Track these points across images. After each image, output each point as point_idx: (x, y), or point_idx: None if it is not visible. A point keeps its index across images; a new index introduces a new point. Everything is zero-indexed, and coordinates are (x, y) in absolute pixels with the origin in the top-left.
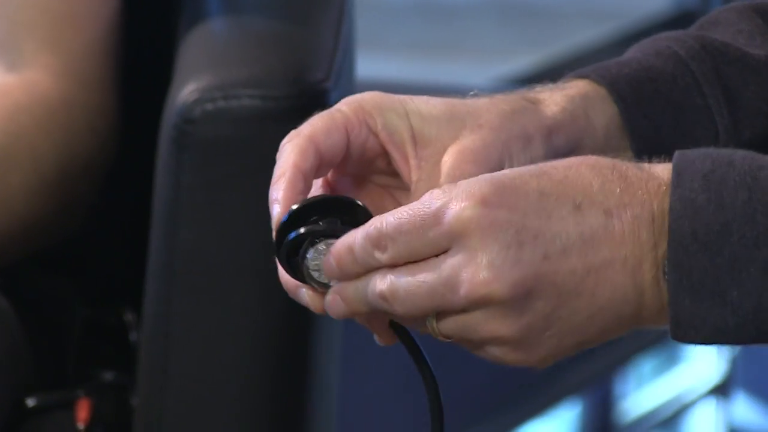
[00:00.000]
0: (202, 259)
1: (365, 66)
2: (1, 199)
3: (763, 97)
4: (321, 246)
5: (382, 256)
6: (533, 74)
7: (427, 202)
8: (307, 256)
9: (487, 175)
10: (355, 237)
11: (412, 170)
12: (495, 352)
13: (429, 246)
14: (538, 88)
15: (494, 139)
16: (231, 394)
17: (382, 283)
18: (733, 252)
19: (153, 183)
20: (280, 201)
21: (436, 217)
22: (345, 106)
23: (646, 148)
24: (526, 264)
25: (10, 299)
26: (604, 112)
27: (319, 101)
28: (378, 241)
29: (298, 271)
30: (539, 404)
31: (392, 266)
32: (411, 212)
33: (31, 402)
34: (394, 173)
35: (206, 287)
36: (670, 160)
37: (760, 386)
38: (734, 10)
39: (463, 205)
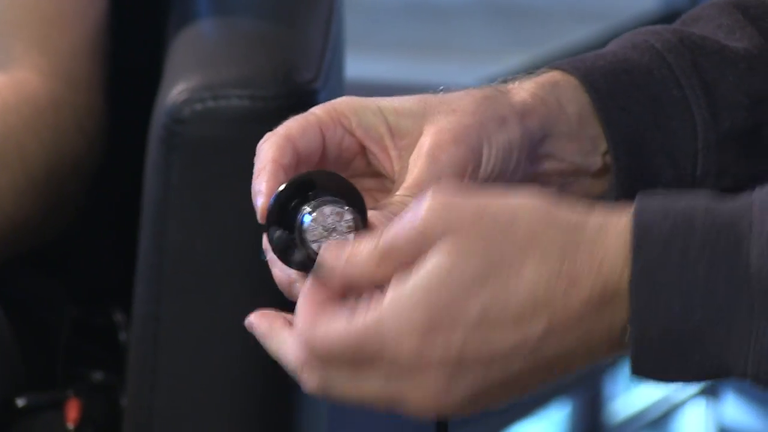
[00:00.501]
0: (191, 259)
1: (354, 66)
2: None
3: (742, 90)
4: (313, 211)
5: (387, 270)
6: (523, 72)
7: (367, 322)
8: (303, 222)
9: (425, 297)
10: (364, 251)
11: (393, 161)
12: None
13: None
14: (510, 78)
15: (470, 120)
16: (220, 394)
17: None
18: (695, 330)
19: (142, 183)
20: (263, 192)
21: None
22: (318, 109)
23: (623, 140)
24: (469, 386)
25: None
26: (577, 101)
27: (308, 101)
28: (388, 255)
29: (289, 252)
30: (528, 405)
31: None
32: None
33: (20, 402)
34: (375, 174)
35: (196, 287)
36: (644, 160)
37: (749, 387)
38: (715, 6)
39: (396, 333)
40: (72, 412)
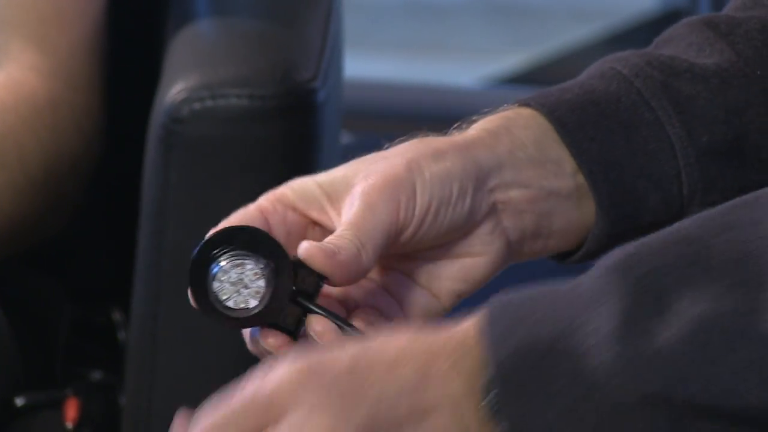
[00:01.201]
0: (189, 258)
1: (353, 65)
2: None
3: (717, 104)
4: (226, 266)
5: None
6: (521, 73)
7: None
8: (213, 282)
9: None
10: None
11: (333, 220)
12: None
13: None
14: (468, 120)
15: (400, 159)
16: (218, 393)
17: None
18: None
19: (141, 182)
20: None
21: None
22: (260, 198)
23: (599, 169)
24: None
25: None
26: (531, 127)
27: (307, 100)
28: None
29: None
30: None
31: None
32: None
33: (19, 401)
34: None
35: None
36: (625, 187)
37: None
38: (686, 26)
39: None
40: (71, 411)
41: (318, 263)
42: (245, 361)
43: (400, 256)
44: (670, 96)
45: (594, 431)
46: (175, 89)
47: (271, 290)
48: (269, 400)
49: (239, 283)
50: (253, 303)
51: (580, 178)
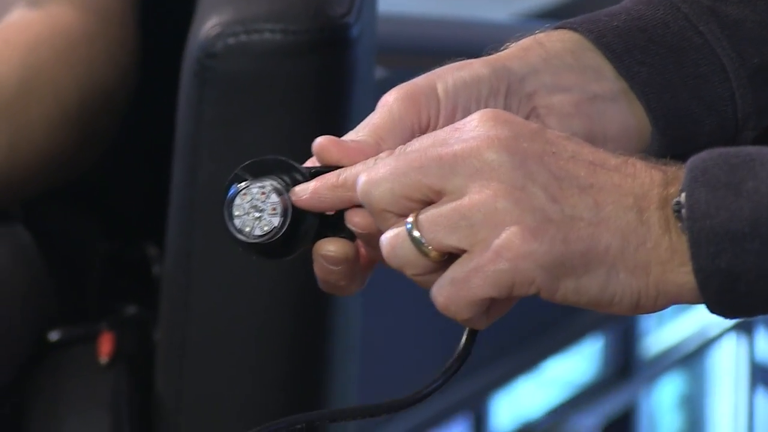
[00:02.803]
0: (223, 193)
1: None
2: (22, 131)
3: (766, 26)
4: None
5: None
6: (555, 9)
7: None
8: (233, 199)
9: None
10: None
11: None
12: (498, 236)
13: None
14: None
15: (421, 76)
16: (253, 327)
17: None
18: (749, 152)
19: (175, 117)
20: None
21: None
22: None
23: (653, 91)
24: (529, 148)
25: (32, 233)
26: (564, 39)
27: (341, 35)
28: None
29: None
30: (561, 340)
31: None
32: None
33: (53, 336)
34: None
35: None
36: (679, 111)
37: None
38: None
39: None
40: (105, 345)
41: (333, 154)
42: (279, 295)
43: None
44: (718, 19)
45: None
46: (209, 24)
47: (289, 201)
48: (454, 161)
49: (254, 210)
50: (276, 221)
51: (623, 84)
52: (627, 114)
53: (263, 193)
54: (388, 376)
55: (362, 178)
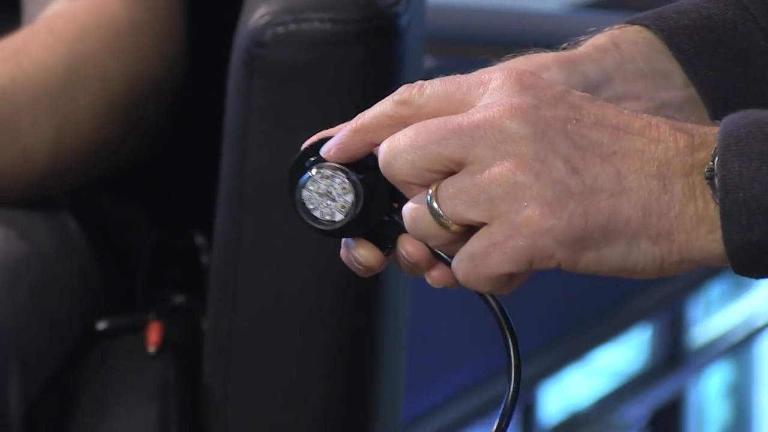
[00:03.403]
0: (272, 182)
1: None
2: (70, 120)
3: None
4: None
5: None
6: None
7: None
8: (303, 191)
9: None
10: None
11: None
12: (517, 211)
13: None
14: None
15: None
16: (301, 316)
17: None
18: None
19: (223, 106)
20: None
21: (480, 78)
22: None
23: (718, 97)
24: (551, 117)
25: (80, 222)
26: (637, 41)
27: (390, 25)
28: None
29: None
30: (609, 329)
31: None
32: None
33: (101, 325)
34: None
35: (276, 210)
36: (746, 107)
37: None
38: None
39: (501, 72)
40: (153, 335)
41: None
42: (327, 284)
43: None
44: None
45: None
46: (258, 13)
47: (360, 206)
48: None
49: (326, 195)
50: (338, 216)
51: (692, 91)
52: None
53: (344, 188)
54: (434, 362)
55: (383, 148)
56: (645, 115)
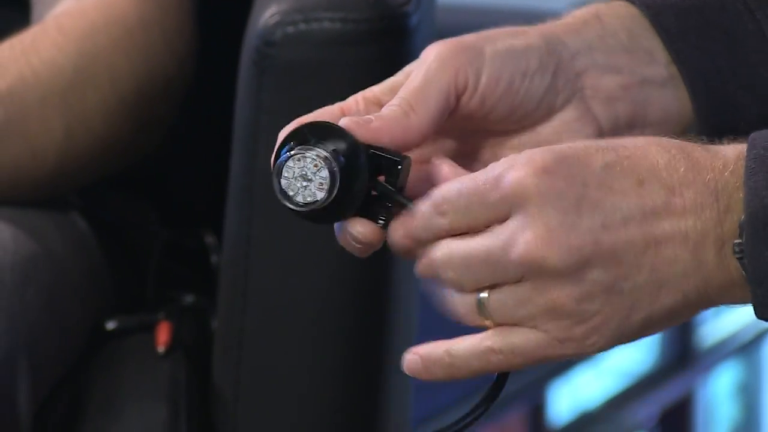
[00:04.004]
0: None
1: None
2: (79, 118)
3: None
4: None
5: (443, 222)
6: None
7: (490, 169)
8: (282, 180)
9: (552, 147)
10: (420, 205)
11: None
12: (551, 330)
13: (488, 210)
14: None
15: (474, 35)
16: (311, 316)
17: (438, 249)
18: None
19: (233, 105)
20: None
21: (497, 181)
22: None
23: (700, 79)
24: (583, 231)
25: (89, 221)
26: (622, 16)
27: (400, 24)
28: (440, 206)
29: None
30: None
31: (453, 233)
32: (472, 178)
33: (110, 325)
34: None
35: (286, 210)
36: (726, 99)
37: None
38: None
39: (524, 171)
40: (162, 334)
41: (360, 137)
42: (338, 283)
43: (487, 146)
44: None
45: None
46: (268, 12)
47: (338, 181)
48: (504, 194)
49: (302, 178)
50: (320, 195)
51: (674, 69)
52: (671, 101)
53: (316, 165)
54: None
55: (423, 261)
56: (663, 170)
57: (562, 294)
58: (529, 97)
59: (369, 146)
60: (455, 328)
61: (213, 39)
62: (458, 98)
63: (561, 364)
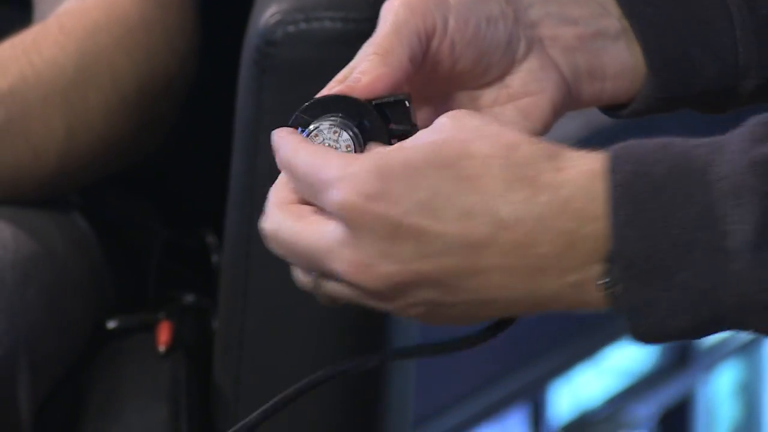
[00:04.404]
0: None
1: None
2: (80, 118)
3: None
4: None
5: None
6: None
7: (331, 163)
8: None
9: (382, 161)
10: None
11: None
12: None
13: (320, 203)
14: None
15: None
16: (311, 316)
17: (268, 219)
18: (676, 235)
19: (234, 104)
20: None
21: (326, 186)
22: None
23: (654, 35)
24: (400, 260)
25: (90, 221)
26: None
27: None
28: (290, 170)
29: None
30: (619, 329)
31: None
32: (314, 164)
33: (111, 324)
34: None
35: None
36: (680, 54)
37: None
38: None
39: (346, 191)
40: (163, 334)
41: (357, 95)
42: None
43: (458, 102)
44: None
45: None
46: (269, 12)
47: (360, 136)
48: (329, 204)
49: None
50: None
51: (626, 23)
52: (626, 54)
53: (335, 132)
54: (443, 362)
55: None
56: (496, 197)
57: (385, 305)
58: (495, 43)
59: (370, 101)
60: (455, 329)
61: (214, 38)
62: (428, 41)
63: (561, 363)
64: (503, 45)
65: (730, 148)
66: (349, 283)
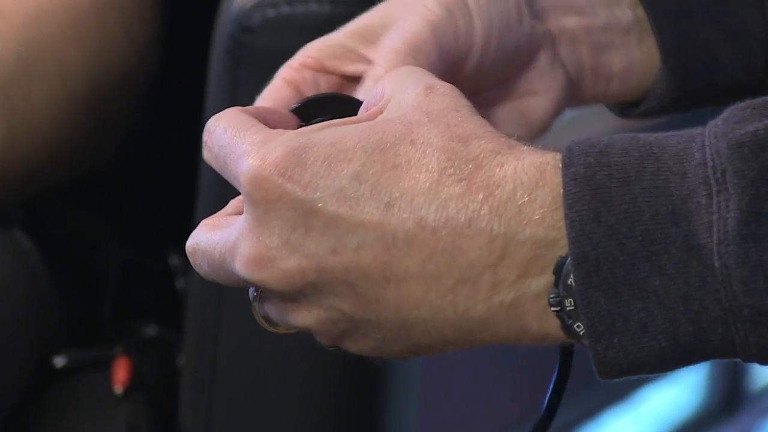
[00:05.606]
0: None
1: None
2: (22, 117)
3: None
4: None
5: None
6: None
7: (255, 135)
8: None
9: (306, 139)
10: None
11: (376, 61)
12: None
13: (230, 176)
14: None
15: None
16: (292, 351)
17: (191, 238)
18: (647, 231)
19: (203, 103)
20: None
21: (240, 155)
22: (279, 72)
23: (668, 18)
24: (303, 254)
25: (34, 239)
26: None
27: None
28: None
29: None
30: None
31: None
32: (236, 133)
33: (60, 361)
34: None
35: None
36: (695, 37)
37: None
38: None
39: (258, 162)
40: (120, 372)
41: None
42: None
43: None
44: None
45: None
46: None
47: None
48: (240, 182)
49: None
50: None
51: (640, 11)
52: (635, 50)
53: None
54: (465, 406)
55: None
56: (423, 193)
57: (303, 317)
58: (518, 47)
59: (360, 101)
60: (465, 384)
61: (179, 25)
62: (461, 61)
63: (591, 407)
64: (526, 44)
65: (707, 132)
66: (257, 285)
